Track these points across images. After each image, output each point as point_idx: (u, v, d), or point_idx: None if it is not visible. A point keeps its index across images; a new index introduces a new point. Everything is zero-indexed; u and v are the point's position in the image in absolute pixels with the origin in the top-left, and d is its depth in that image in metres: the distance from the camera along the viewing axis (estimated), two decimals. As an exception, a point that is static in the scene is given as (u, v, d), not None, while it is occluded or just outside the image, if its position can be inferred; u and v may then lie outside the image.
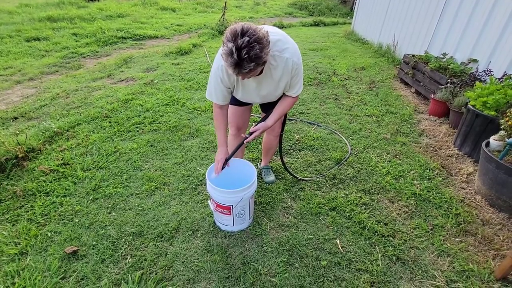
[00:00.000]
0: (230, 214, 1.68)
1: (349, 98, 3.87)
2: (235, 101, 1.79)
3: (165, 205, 2.02)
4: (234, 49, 1.15)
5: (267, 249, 1.71)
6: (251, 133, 1.68)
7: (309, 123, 3.20)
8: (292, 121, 3.23)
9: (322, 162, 2.52)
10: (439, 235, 1.81)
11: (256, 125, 1.70)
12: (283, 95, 1.68)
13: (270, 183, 2.25)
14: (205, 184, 2.19)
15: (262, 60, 1.22)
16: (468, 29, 3.62)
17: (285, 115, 1.94)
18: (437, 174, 2.38)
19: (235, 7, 12.54)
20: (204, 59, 5.39)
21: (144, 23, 8.20)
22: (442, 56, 3.83)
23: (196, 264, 1.60)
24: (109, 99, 3.58)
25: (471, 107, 2.50)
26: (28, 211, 1.94)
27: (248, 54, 1.15)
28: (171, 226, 1.84)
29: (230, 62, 1.19)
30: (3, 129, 2.89)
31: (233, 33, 1.16)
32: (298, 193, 2.16)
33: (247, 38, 1.14)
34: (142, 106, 3.43)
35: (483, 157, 2.09)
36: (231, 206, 1.63)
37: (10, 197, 2.05)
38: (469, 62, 3.49)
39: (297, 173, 2.38)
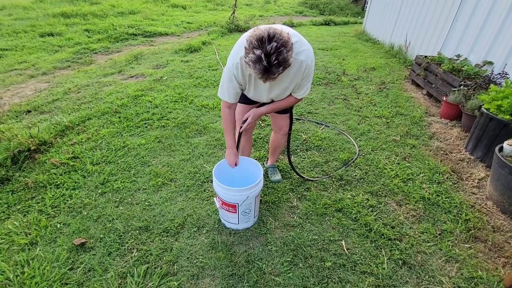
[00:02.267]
0: (236, 212, 1.69)
1: (358, 98, 3.82)
2: (243, 100, 1.79)
3: (172, 201, 2.04)
4: (263, 55, 1.13)
5: (271, 248, 1.71)
6: (244, 122, 1.70)
7: (317, 123, 3.18)
8: (300, 121, 3.21)
9: (329, 163, 2.50)
10: (448, 241, 1.78)
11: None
12: (289, 95, 1.67)
13: (276, 182, 2.24)
14: (211, 182, 2.20)
15: (289, 63, 1.21)
16: (483, 30, 3.52)
17: (292, 114, 1.93)
18: (447, 178, 2.33)
19: (245, 5, 12.53)
20: (213, 56, 5.41)
21: (155, 20, 8.28)
22: (455, 58, 3.74)
23: (201, 261, 1.61)
24: (119, 94, 3.63)
25: (484, 110, 2.44)
26: (39, 203, 1.98)
27: (278, 60, 1.14)
28: (177, 222, 1.85)
29: (259, 69, 1.17)
30: (17, 122, 2.97)
31: (259, 39, 1.15)
32: (304, 193, 2.15)
33: (274, 44, 1.13)
34: (151, 102, 3.47)
35: (495, 162, 2.03)
36: (237, 204, 1.64)
37: (22, 188, 2.10)
38: (484, 65, 3.40)
39: (304, 173, 2.36)
